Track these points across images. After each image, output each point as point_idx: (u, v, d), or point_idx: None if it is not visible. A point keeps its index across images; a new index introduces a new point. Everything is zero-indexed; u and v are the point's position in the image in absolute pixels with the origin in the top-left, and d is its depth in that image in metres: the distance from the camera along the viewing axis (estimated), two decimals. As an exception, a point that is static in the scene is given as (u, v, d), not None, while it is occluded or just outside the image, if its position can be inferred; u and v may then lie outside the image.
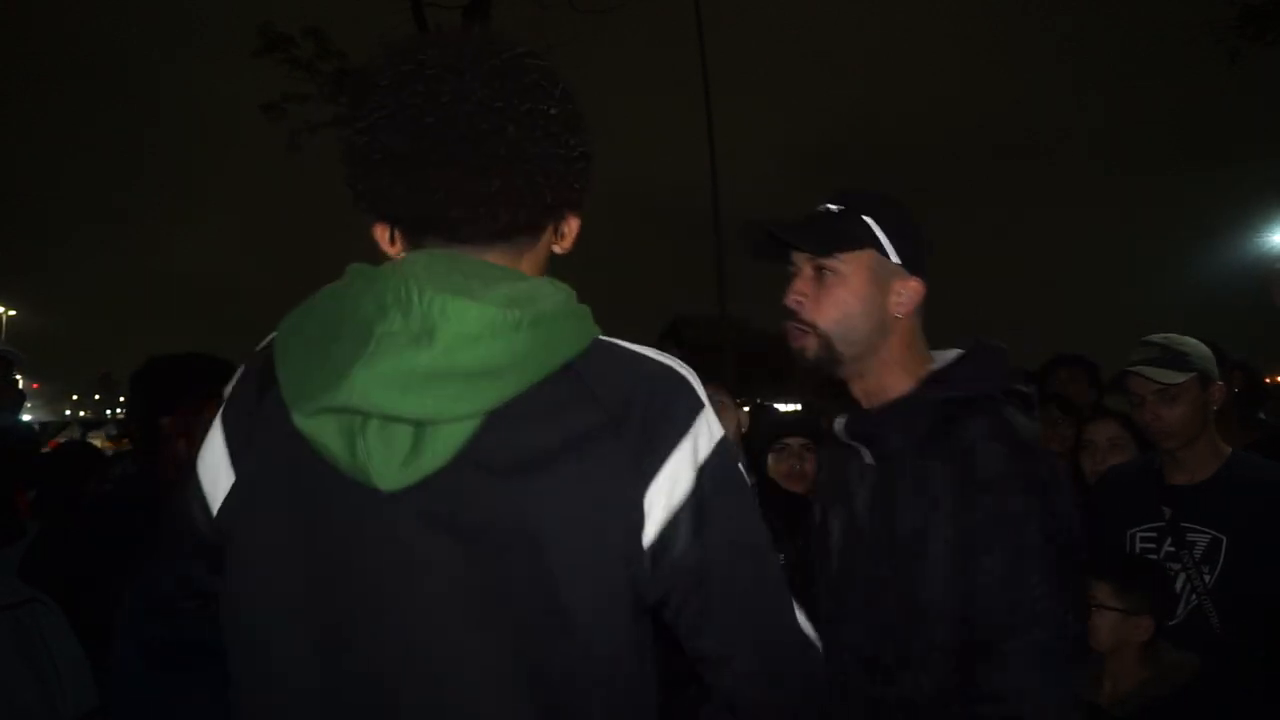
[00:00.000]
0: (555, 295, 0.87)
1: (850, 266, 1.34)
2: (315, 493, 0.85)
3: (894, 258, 1.35)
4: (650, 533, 0.84)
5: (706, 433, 0.88)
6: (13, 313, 31.20)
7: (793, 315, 1.38)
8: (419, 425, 0.80)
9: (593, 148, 0.95)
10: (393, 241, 0.94)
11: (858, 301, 1.35)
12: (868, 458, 1.40)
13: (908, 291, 1.37)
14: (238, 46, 16.59)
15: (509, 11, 15.86)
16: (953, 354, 1.41)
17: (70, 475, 3.92)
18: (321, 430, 0.82)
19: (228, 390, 0.98)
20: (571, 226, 1.00)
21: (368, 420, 0.80)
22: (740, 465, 0.93)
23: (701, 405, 0.89)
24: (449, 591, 0.81)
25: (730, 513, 0.88)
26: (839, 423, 1.43)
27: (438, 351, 0.79)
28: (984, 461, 1.24)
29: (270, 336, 0.93)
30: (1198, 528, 2.04)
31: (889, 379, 1.39)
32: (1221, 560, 1.99)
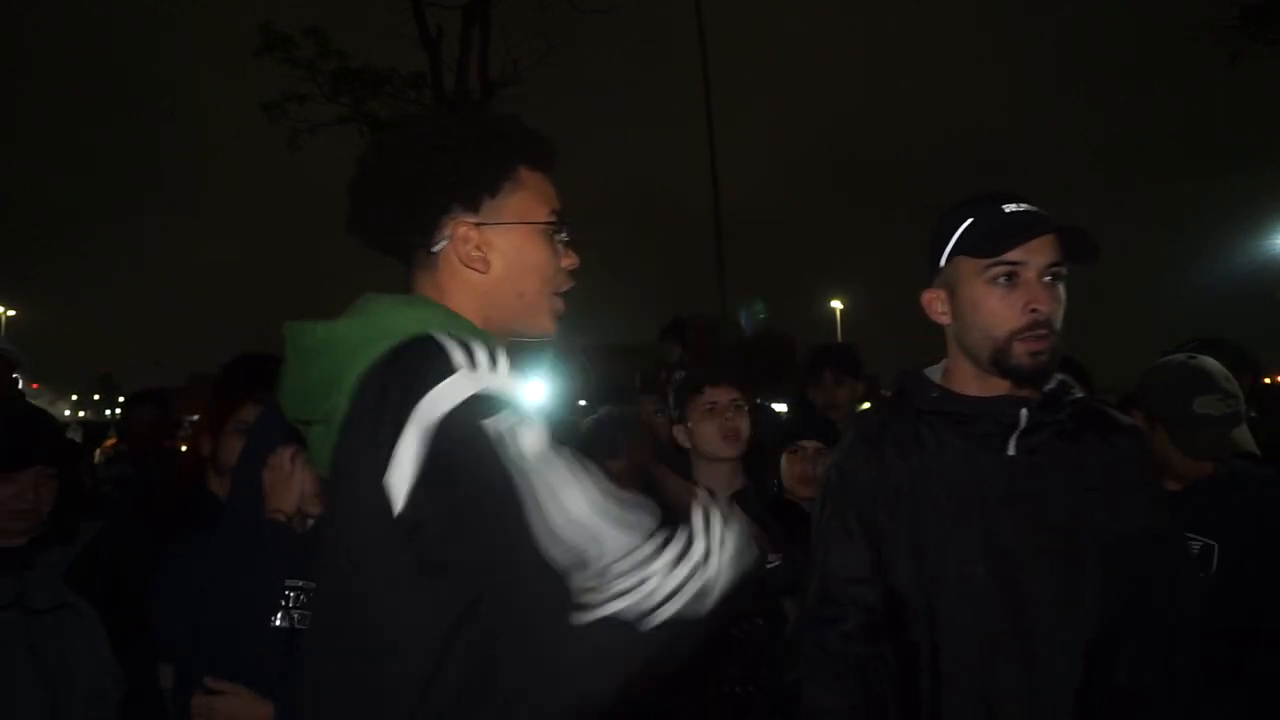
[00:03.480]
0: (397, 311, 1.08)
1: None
2: None
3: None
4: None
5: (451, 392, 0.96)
6: (12, 313, 31.16)
7: (1044, 325, 1.36)
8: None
9: (450, 139, 1.12)
10: None
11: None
12: (1012, 449, 1.40)
13: None
14: (238, 47, 16.59)
15: (509, 11, 15.82)
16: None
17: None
18: None
19: None
20: (463, 235, 1.12)
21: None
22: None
23: (450, 369, 0.96)
24: None
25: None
26: (1024, 411, 1.40)
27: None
28: (1145, 449, 1.49)
29: None
30: (1189, 534, 2.02)
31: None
32: (1214, 567, 1.98)
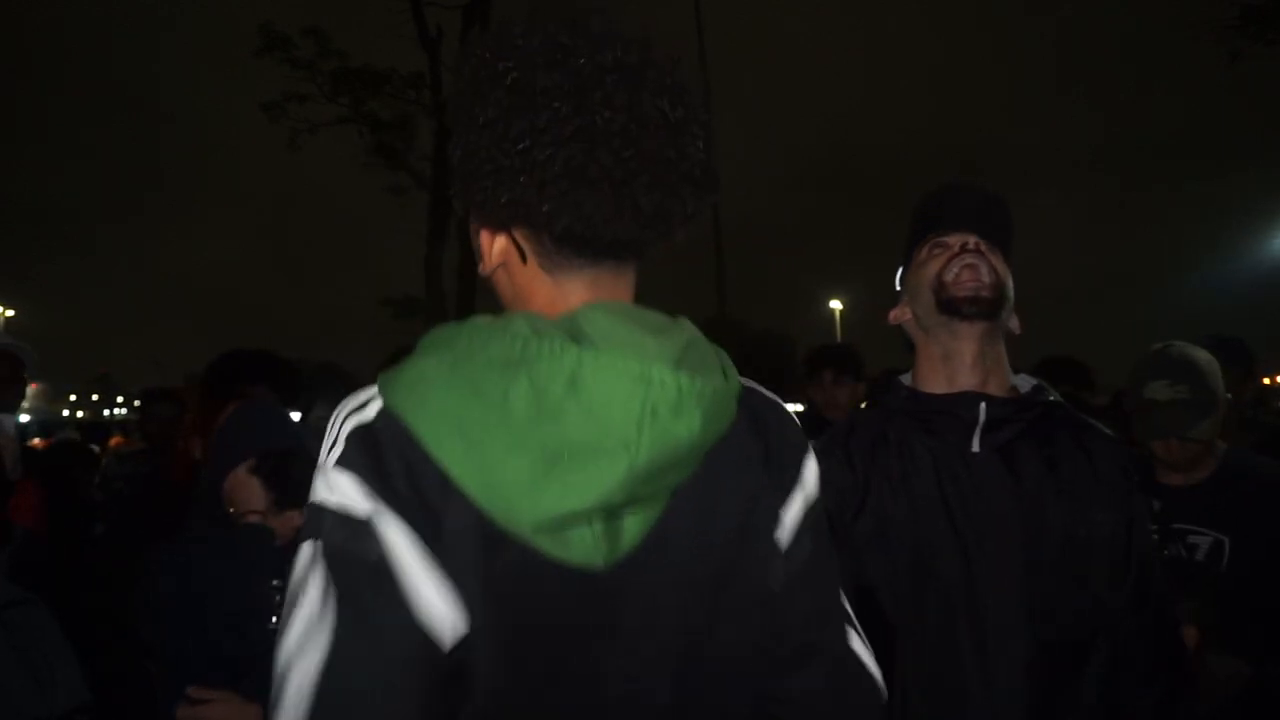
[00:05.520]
0: (704, 342, 0.87)
1: (1004, 269, 1.47)
2: None
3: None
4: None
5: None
6: (11, 313, 31.16)
7: (977, 253, 1.44)
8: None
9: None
10: (524, 260, 0.85)
11: (1008, 276, 1.46)
12: (975, 445, 1.41)
13: (1013, 319, 1.51)
14: (238, 47, 16.60)
15: (509, 11, 15.80)
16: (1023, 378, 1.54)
17: (69, 472, 3.92)
18: None
19: None
20: None
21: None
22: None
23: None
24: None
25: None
26: (983, 405, 1.43)
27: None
28: (1122, 461, 1.43)
29: None
30: (1199, 529, 2.01)
31: (998, 376, 1.47)
32: (1225, 563, 1.96)
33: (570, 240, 0.81)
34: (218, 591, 1.67)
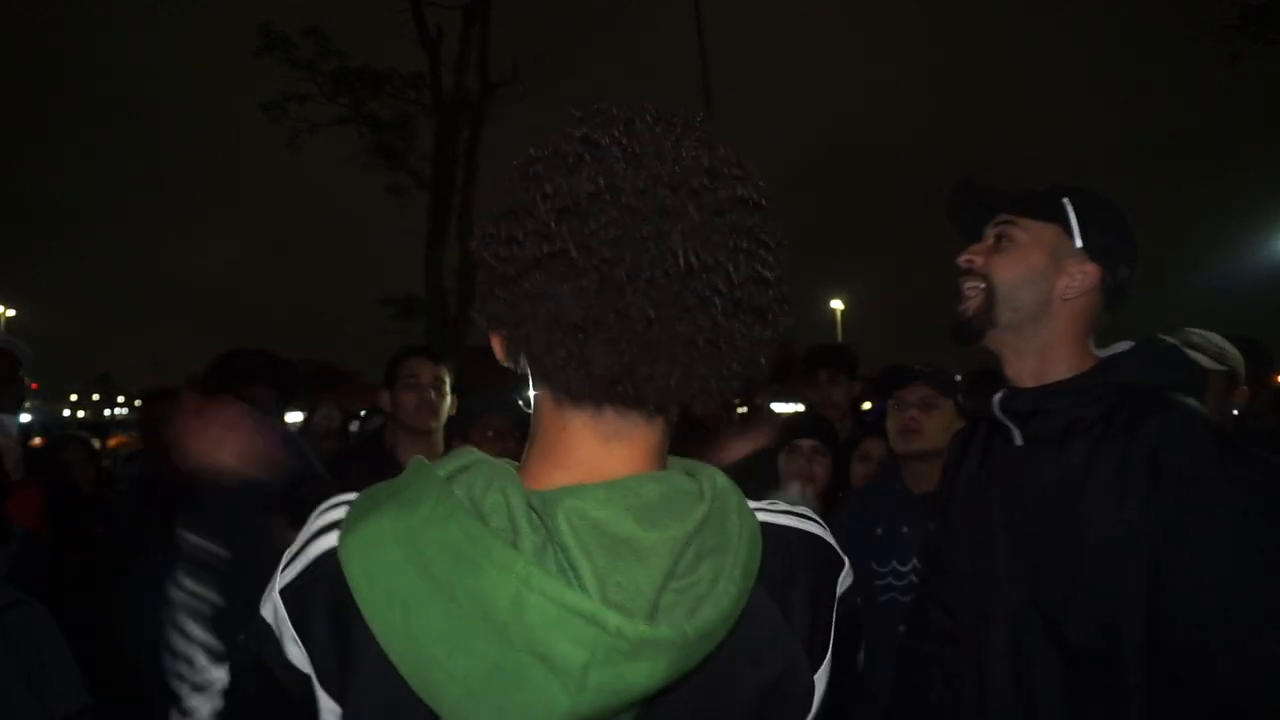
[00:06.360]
0: (733, 512, 0.74)
1: (1030, 236, 1.36)
2: None
3: (1078, 240, 1.35)
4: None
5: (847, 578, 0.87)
6: (12, 313, 31.15)
7: (965, 273, 1.41)
8: None
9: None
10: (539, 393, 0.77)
11: (1027, 270, 1.34)
12: (1018, 439, 1.37)
13: (1082, 275, 1.33)
14: (238, 47, 16.60)
15: (508, 11, 15.83)
16: (1123, 346, 1.39)
17: (69, 472, 3.93)
18: None
19: None
20: None
21: None
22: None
23: (842, 561, 0.86)
24: None
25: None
26: (996, 397, 1.39)
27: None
28: (1188, 454, 1.17)
29: None
30: None
31: (1050, 362, 1.36)
32: None
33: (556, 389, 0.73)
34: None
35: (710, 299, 0.66)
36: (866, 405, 4.16)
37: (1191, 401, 1.27)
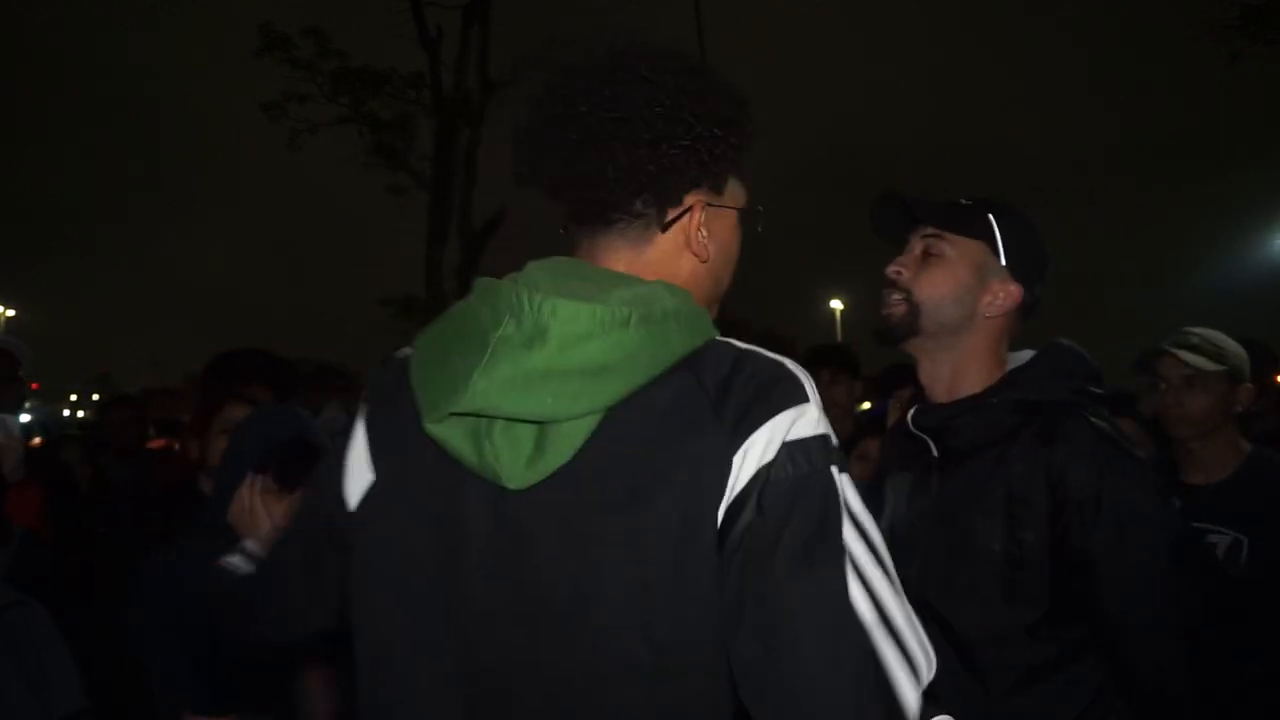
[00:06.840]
0: (670, 297, 0.88)
1: (958, 252, 1.39)
2: (448, 493, 0.89)
3: (1003, 259, 1.39)
4: (729, 495, 0.81)
5: (807, 422, 0.83)
6: (11, 313, 31.14)
7: (890, 284, 1.42)
8: (541, 425, 0.83)
9: (725, 121, 0.95)
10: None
11: (954, 285, 1.38)
12: (934, 450, 1.42)
13: (1005, 294, 1.38)
14: (238, 47, 16.59)
15: (509, 11, 15.81)
16: (1026, 355, 1.44)
17: (68, 472, 3.93)
18: (450, 435, 0.87)
19: (366, 394, 1.04)
20: (697, 221, 0.97)
21: (493, 423, 0.85)
22: (844, 475, 0.84)
23: (805, 399, 0.84)
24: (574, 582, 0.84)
25: (802, 503, 0.81)
26: (909, 413, 1.45)
27: (550, 351, 0.81)
28: (1085, 474, 1.26)
29: (407, 347, 1.01)
30: (1217, 529, 2.00)
31: (964, 374, 1.41)
32: (1243, 562, 1.95)
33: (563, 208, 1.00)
34: (203, 607, 1.65)
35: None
36: (866, 405, 4.15)
37: (1095, 417, 1.33)
